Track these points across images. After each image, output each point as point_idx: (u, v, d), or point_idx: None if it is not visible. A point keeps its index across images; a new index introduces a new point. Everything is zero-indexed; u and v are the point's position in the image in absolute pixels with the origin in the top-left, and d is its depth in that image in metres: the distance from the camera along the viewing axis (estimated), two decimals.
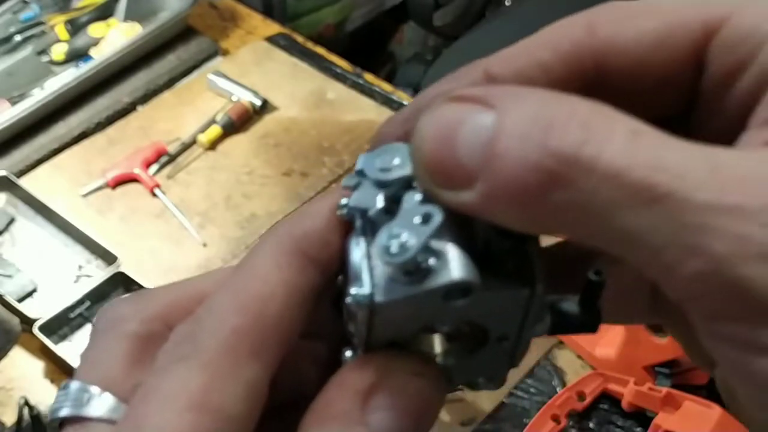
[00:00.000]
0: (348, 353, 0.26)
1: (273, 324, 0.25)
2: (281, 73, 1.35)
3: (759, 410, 0.22)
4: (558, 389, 0.97)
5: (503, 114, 0.22)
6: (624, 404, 0.93)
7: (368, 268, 0.24)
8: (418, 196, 0.24)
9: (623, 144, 0.20)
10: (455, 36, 1.90)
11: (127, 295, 0.30)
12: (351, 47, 1.97)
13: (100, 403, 0.26)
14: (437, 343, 0.27)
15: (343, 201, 0.26)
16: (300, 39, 1.41)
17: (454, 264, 0.24)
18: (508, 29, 1.91)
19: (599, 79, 0.25)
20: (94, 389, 0.26)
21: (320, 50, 1.40)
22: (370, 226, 0.25)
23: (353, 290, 0.24)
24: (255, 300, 0.25)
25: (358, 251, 0.25)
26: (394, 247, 0.23)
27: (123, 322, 0.27)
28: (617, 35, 0.25)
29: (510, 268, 0.25)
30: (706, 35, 0.24)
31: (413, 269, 0.23)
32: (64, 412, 0.26)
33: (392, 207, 0.25)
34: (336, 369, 0.26)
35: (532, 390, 0.99)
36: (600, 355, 0.98)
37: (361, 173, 0.26)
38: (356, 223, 0.26)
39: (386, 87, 1.34)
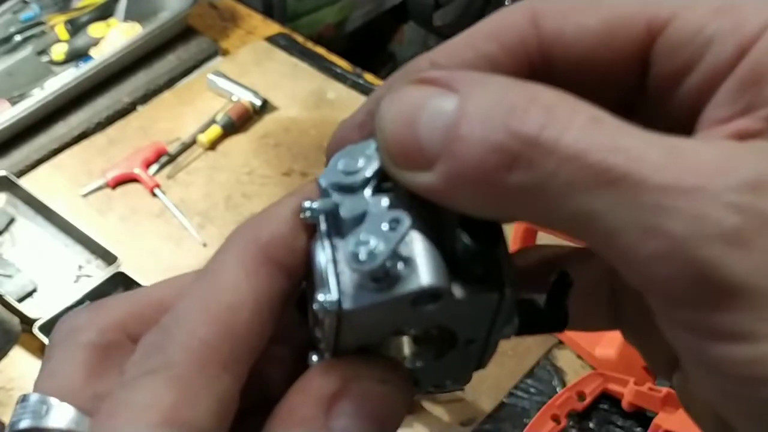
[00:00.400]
0: (314, 358, 0.26)
1: (243, 334, 0.24)
2: (281, 73, 1.35)
3: (720, 402, 0.22)
4: (558, 389, 0.97)
5: (465, 98, 0.22)
6: (624, 404, 0.93)
7: (335, 274, 0.24)
8: (385, 201, 0.24)
9: (583, 128, 0.20)
10: (455, 36, 1.90)
11: (84, 306, 0.29)
12: (351, 47, 1.97)
13: (60, 414, 0.26)
14: (405, 347, 0.27)
15: (306, 204, 0.25)
16: (300, 39, 1.41)
17: (423, 270, 0.23)
18: None
19: (546, 70, 0.25)
20: (53, 400, 0.26)
21: (320, 50, 1.40)
22: (335, 230, 0.25)
23: (320, 296, 0.24)
24: (224, 310, 0.24)
25: (323, 256, 0.25)
26: (363, 254, 0.23)
27: (79, 332, 0.27)
28: (561, 30, 0.25)
29: (479, 272, 0.24)
30: (650, 35, 0.24)
31: (382, 276, 0.23)
32: (24, 424, 0.26)
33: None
34: (301, 372, 0.26)
35: (532, 390, 0.99)
36: (600, 355, 0.98)
37: (326, 192, 0.25)
38: (321, 227, 0.25)
39: None
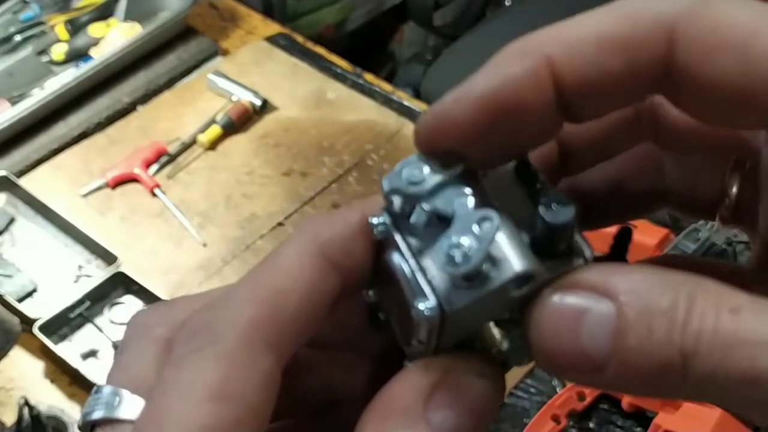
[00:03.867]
0: (410, 366, 0.27)
1: (289, 319, 0.25)
2: (281, 73, 1.35)
3: None
4: (558, 389, 0.97)
5: (622, 305, 0.23)
6: (624, 404, 0.93)
7: (426, 281, 0.25)
8: (470, 202, 0.25)
9: (730, 321, 0.22)
10: (455, 36, 1.90)
11: (156, 303, 0.30)
12: (351, 47, 1.97)
13: (131, 405, 0.26)
14: (496, 333, 0.28)
15: (374, 220, 0.26)
16: (300, 39, 1.41)
17: (513, 257, 0.24)
18: (508, 29, 1.91)
19: (666, 89, 0.24)
20: (125, 392, 0.26)
21: (320, 50, 1.40)
22: (407, 233, 0.26)
23: (420, 305, 0.24)
24: (273, 294, 0.25)
25: (406, 266, 0.25)
26: (458, 257, 0.23)
27: (151, 328, 0.28)
28: (702, 66, 0.23)
29: (562, 247, 0.25)
30: None
31: (475, 274, 0.24)
32: (97, 415, 0.26)
33: (433, 218, 0.25)
34: (376, 380, 0.27)
35: (532, 390, 0.99)
36: None
37: (392, 193, 0.26)
38: (397, 239, 0.26)
39: (386, 87, 1.34)
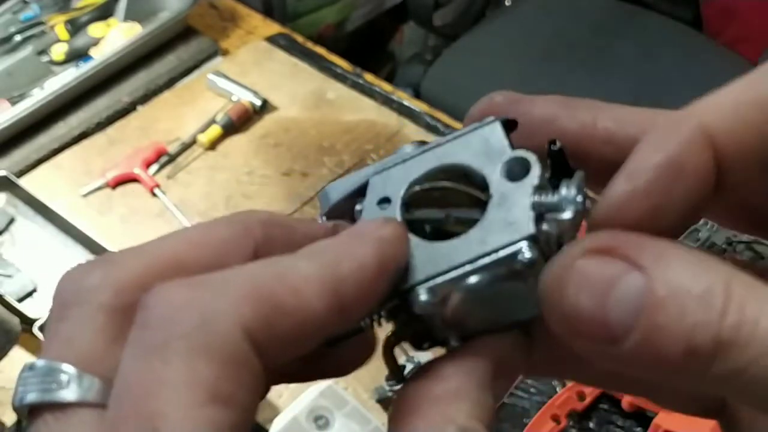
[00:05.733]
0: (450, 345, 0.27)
1: (283, 337, 0.23)
2: (281, 73, 1.35)
3: None
4: (558, 389, 0.97)
5: (654, 280, 0.22)
6: (624, 404, 0.93)
7: (484, 257, 0.25)
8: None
9: None
10: (455, 36, 1.90)
11: (89, 259, 0.26)
12: (351, 47, 1.97)
13: (83, 386, 0.23)
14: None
15: (424, 297, 0.26)
16: (300, 39, 1.41)
17: (569, 186, 0.25)
18: (508, 29, 1.91)
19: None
20: (69, 368, 0.23)
21: (320, 50, 1.40)
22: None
23: (522, 247, 0.24)
24: (275, 306, 0.23)
25: (475, 276, 0.25)
26: (568, 196, 0.24)
27: (94, 293, 0.24)
28: (739, 160, 0.24)
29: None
30: None
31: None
32: (33, 397, 0.23)
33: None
34: None
35: (532, 390, 0.99)
36: None
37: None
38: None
39: (386, 87, 1.34)
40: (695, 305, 0.22)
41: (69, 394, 0.23)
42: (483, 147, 0.26)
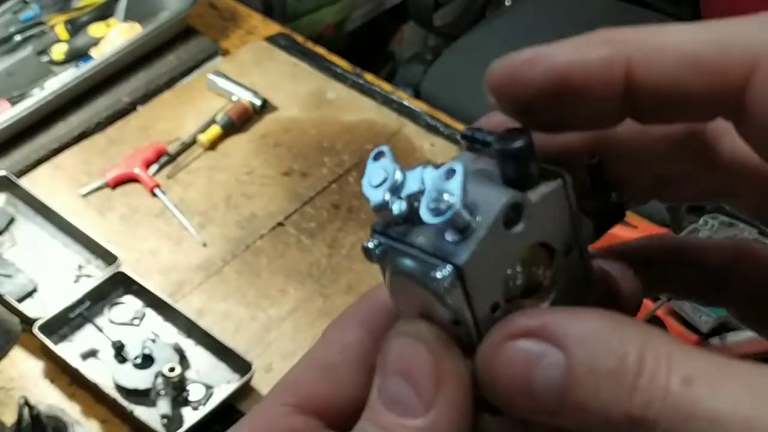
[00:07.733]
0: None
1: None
2: (281, 73, 1.35)
3: None
4: None
5: (572, 358, 0.23)
6: None
7: (429, 256, 0.25)
8: (435, 169, 0.25)
9: (681, 392, 0.22)
10: (455, 36, 1.90)
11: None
12: (351, 47, 1.97)
13: None
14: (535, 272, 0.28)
15: (370, 244, 0.26)
16: (300, 39, 1.41)
17: (493, 195, 0.25)
18: (508, 29, 1.91)
19: (734, 117, 0.25)
20: None
21: (320, 50, 1.40)
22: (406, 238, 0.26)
23: (437, 274, 0.24)
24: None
25: (409, 260, 0.26)
26: (442, 206, 0.24)
27: None
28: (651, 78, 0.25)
29: (523, 175, 0.26)
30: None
31: (463, 226, 0.24)
32: None
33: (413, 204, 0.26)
34: None
35: None
36: None
37: (381, 207, 0.26)
38: (394, 245, 0.26)
39: (386, 87, 1.34)
40: (607, 383, 0.23)
41: None
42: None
